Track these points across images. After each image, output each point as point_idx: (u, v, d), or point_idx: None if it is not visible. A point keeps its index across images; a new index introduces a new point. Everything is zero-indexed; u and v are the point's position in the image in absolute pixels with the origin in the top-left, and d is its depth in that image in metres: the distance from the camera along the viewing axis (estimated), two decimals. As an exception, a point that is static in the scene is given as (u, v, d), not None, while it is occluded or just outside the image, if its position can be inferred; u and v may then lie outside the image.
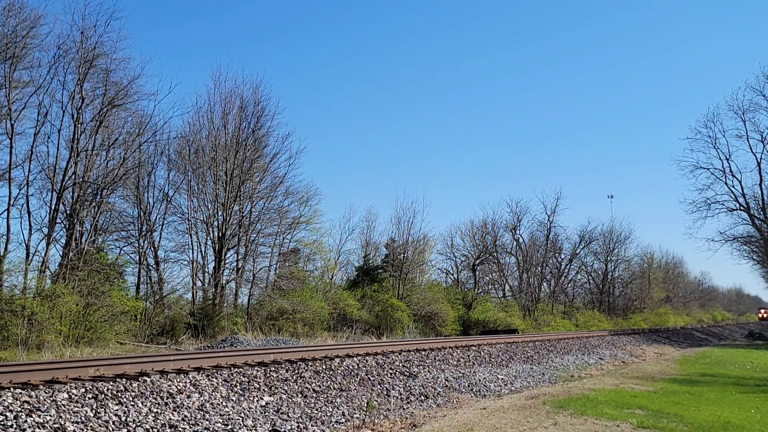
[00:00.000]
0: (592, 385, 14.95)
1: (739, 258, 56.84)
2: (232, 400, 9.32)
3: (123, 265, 24.83)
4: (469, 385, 14.18)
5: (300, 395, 10.43)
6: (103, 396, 8.00)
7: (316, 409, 9.97)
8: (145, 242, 25.77)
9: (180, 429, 7.75)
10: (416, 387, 12.83)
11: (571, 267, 58.98)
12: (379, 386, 12.22)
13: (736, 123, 71.65)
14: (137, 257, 25.60)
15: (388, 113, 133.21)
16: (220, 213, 27.20)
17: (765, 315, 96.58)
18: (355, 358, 13.53)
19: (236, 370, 10.62)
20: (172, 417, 8.03)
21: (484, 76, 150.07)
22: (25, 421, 6.76)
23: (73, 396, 7.76)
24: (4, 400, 7.12)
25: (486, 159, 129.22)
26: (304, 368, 11.78)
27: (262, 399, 9.71)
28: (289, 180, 30.11)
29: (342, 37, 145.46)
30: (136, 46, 65.13)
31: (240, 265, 27.90)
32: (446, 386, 13.58)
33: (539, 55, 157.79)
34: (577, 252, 58.53)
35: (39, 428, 6.69)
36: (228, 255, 27.37)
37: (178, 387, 9.07)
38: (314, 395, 10.65)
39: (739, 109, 44.74)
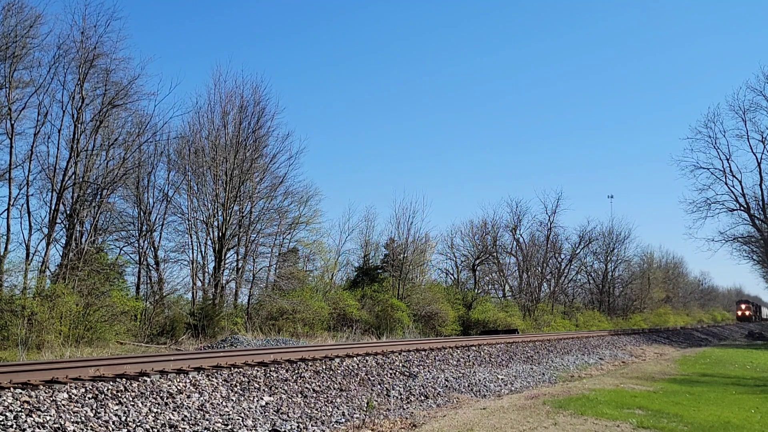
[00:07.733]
0: (592, 385, 14.94)
1: (739, 258, 56.99)
2: (232, 400, 9.32)
3: (123, 265, 24.84)
4: (469, 385, 14.18)
5: (300, 395, 10.43)
6: (103, 396, 8.00)
7: (316, 409, 9.97)
8: (145, 242, 25.78)
9: (180, 429, 7.75)
10: (416, 387, 12.83)
11: (571, 267, 58.94)
12: (379, 386, 12.22)
13: (736, 123, 71.37)
14: (137, 257, 25.61)
15: (388, 113, 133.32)
16: (220, 213, 27.21)
17: (747, 312, 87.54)
18: (355, 358, 13.53)
19: (236, 370, 10.62)
20: (172, 417, 8.03)
21: (484, 76, 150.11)
22: (25, 421, 6.76)
23: (73, 396, 7.76)
24: (4, 400, 7.12)
25: (486, 159, 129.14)
26: (304, 368, 11.78)
27: (262, 399, 9.71)
28: (289, 180, 30.18)
29: (342, 38, 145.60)
30: (136, 46, 65.13)
31: (240, 265, 27.91)
32: (446, 386, 13.58)
33: (539, 55, 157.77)
34: (577, 252, 58.49)
35: (39, 428, 6.69)
36: (228, 255, 27.40)
37: (178, 387, 9.07)
38: (314, 395, 10.65)
39: (740, 108, 44.75)
